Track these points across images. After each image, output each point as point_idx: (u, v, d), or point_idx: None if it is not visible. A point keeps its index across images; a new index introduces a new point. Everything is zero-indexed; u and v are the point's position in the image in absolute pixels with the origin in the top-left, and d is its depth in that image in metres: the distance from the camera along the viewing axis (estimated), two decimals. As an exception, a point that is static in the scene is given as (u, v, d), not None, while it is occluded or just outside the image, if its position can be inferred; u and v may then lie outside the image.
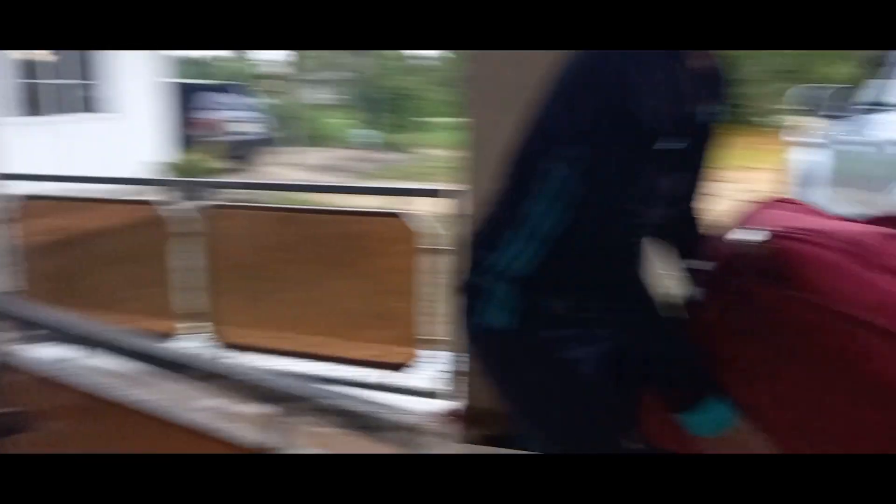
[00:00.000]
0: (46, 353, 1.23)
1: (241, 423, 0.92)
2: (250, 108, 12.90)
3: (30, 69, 9.52)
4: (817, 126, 4.10)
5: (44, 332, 1.14)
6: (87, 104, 10.45)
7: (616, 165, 0.95)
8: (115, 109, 10.54)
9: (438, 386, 2.53)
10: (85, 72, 10.37)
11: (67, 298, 2.89)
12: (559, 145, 1.02)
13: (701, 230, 1.14)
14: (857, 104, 3.59)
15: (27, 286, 3.04)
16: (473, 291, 1.11)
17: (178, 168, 9.88)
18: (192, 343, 2.89)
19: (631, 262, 0.96)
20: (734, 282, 0.89)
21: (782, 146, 4.86)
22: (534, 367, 1.09)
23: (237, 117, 12.18)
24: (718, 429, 0.89)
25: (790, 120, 6.17)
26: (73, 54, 9.94)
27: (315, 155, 13.47)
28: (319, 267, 2.76)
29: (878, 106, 3.26)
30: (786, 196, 1.08)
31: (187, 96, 11.58)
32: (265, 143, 12.79)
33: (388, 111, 16.61)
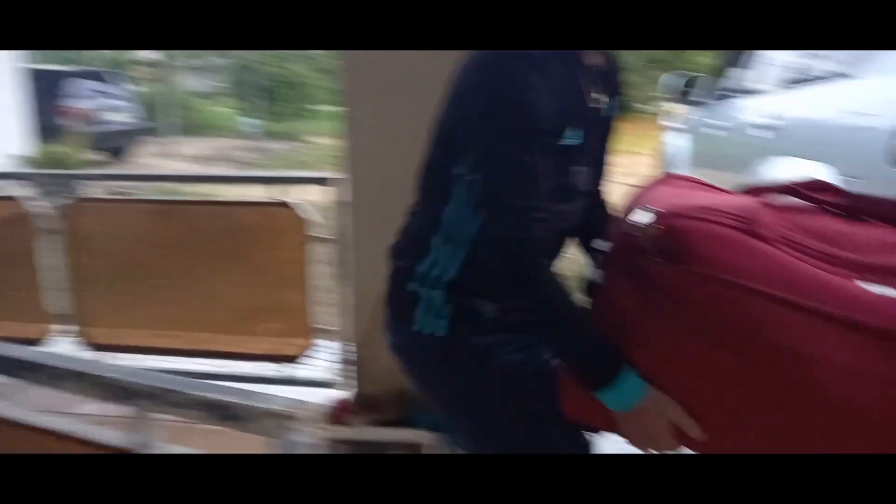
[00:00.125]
0: None
1: (105, 424, 0.88)
2: (125, 96, 12.13)
3: None
4: (684, 111, 4.37)
5: None
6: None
7: (514, 164, 0.95)
8: (-33, 98, 9.59)
9: (333, 375, 2.52)
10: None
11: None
12: (461, 147, 1.02)
13: (607, 217, 1.18)
14: (719, 90, 3.86)
15: None
16: (405, 300, 1.11)
17: (43, 160, 9.14)
18: (63, 346, 2.72)
19: (541, 256, 0.98)
20: (633, 261, 0.92)
21: (657, 131, 5.13)
22: (469, 373, 1.10)
23: (111, 106, 11.41)
24: (633, 401, 0.94)
25: (662, 106, 6.54)
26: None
27: (197, 145, 12.87)
28: (205, 261, 2.66)
29: (738, 92, 3.52)
30: (676, 174, 1.12)
31: (55, 84, 10.71)
32: (142, 132, 12.08)
33: (274, 99, 16.12)
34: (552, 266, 1.03)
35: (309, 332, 2.56)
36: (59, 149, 9.57)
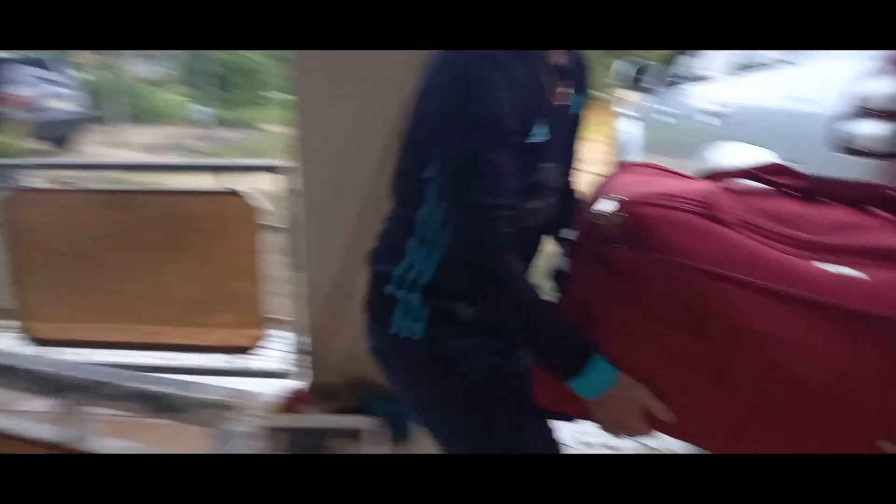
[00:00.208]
0: None
1: (43, 421, 0.85)
2: (69, 83, 11.71)
3: None
4: (636, 98, 4.43)
5: None
6: None
7: (475, 162, 0.95)
8: None
9: (287, 365, 2.49)
10: None
11: None
12: (430, 150, 1.02)
13: (574, 209, 1.17)
14: (669, 77, 3.92)
15: None
16: (383, 303, 1.11)
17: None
18: (4, 342, 2.63)
19: (505, 253, 0.97)
20: (598, 249, 0.93)
21: (610, 118, 5.19)
22: (446, 376, 1.11)
23: (54, 93, 11.01)
24: (604, 388, 0.95)
25: (615, 93, 6.62)
26: None
27: (146, 133, 12.53)
28: (154, 252, 2.60)
29: (687, 79, 3.58)
30: (637, 161, 1.14)
31: (-6, 70, 10.29)
32: (87, 121, 11.70)
33: (226, 86, 15.79)
34: (521, 262, 1.03)
35: (262, 322, 2.53)
36: (-1, 138, 9.21)
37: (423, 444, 1.74)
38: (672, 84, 3.82)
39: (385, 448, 1.89)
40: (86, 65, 15.06)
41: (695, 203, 0.88)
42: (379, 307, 1.13)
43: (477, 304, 1.04)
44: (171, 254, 2.57)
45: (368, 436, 1.89)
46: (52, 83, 11.11)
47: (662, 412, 0.93)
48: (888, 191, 0.90)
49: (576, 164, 1.18)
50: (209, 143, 11.82)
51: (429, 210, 1.06)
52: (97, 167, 4.96)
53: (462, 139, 0.96)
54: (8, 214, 2.56)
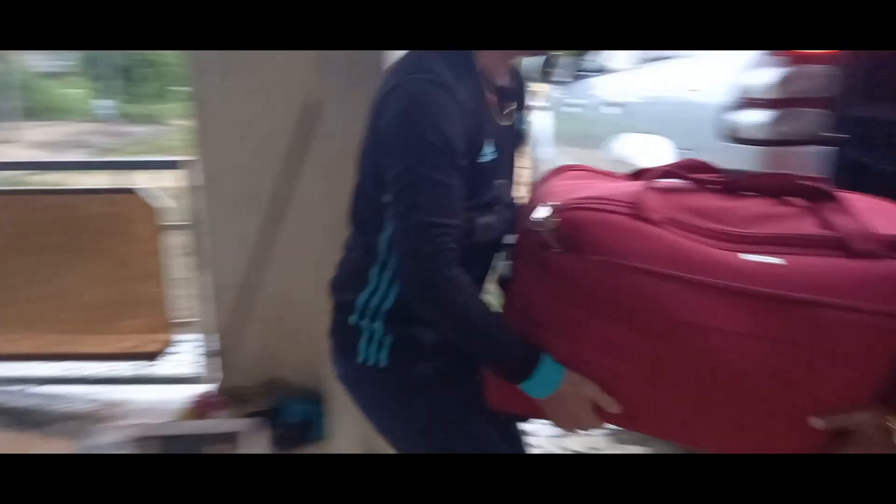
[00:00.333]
0: None
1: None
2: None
3: None
4: (545, 90, 4.52)
5: None
6: None
7: (422, 182, 0.97)
8: None
9: (196, 370, 2.42)
10: None
11: None
12: (382, 174, 1.02)
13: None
14: (578, 69, 4.02)
15: None
16: (348, 333, 1.12)
17: None
18: None
19: (450, 269, 0.98)
20: (537, 254, 0.96)
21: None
22: (412, 401, 1.12)
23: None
24: (553, 388, 0.98)
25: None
26: None
27: (44, 130, 11.85)
28: (50, 256, 2.46)
29: (594, 71, 3.68)
30: (569, 165, 1.17)
31: None
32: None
33: (132, 79, 15.11)
34: (474, 274, 1.05)
35: (169, 326, 2.44)
36: None
37: (338, 444, 1.73)
38: (580, 76, 3.91)
39: (262, 450, 1.86)
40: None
41: (624, 204, 0.93)
42: (344, 337, 1.14)
43: (429, 321, 1.05)
44: (68, 258, 2.44)
45: (245, 439, 1.86)
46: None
47: (610, 405, 0.97)
48: (801, 181, 0.96)
49: (517, 178, 1.21)
50: (115, 140, 11.31)
51: (390, 235, 1.07)
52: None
53: (412, 160, 0.97)
54: None
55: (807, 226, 0.90)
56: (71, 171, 3.37)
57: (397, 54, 1.05)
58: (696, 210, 0.94)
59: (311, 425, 2.08)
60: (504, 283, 1.09)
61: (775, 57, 1.70)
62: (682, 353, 0.89)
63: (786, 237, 0.89)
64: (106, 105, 13.51)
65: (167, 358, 2.49)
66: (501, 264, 1.15)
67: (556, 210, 0.94)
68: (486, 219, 1.08)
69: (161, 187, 2.40)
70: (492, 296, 1.09)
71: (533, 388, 0.99)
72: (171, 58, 15.78)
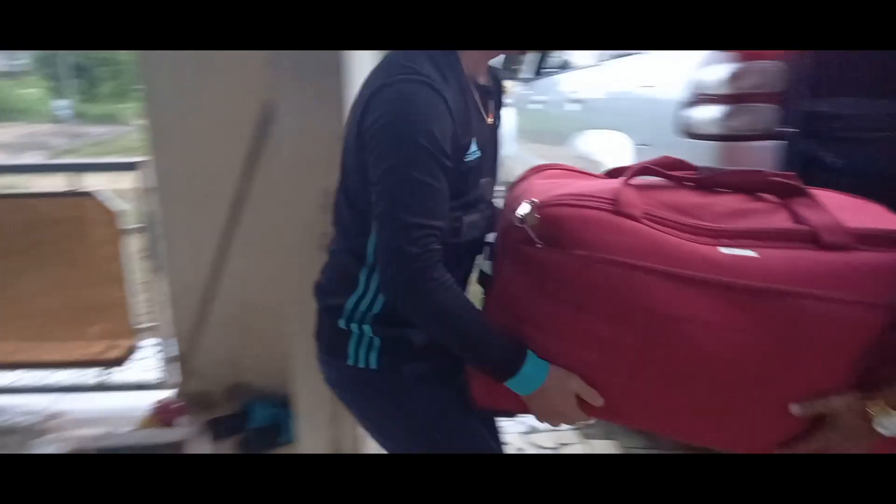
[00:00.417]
0: None
1: None
2: None
3: None
4: (509, 87, 4.54)
5: None
6: None
7: (406, 182, 0.96)
8: None
9: (159, 376, 2.39)
10: None
11: None
12: (366, 174, 1.01)
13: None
14: (542, 66, 4.04)
15: None
16: (337, 337, 1.11)
17: None
18: None
19: (433, 269, 0.98)
20: (519, 250, 0.97)
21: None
22: (403, 403, 1.12)
23: None
24: (538, 383, 0.99)
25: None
26: None
27: None
28: (6, 262, 2.40)
29: (558, 68, 3.70)
30: (548, 164, 1.18)
31: None
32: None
33: (92, 78, 14.78)
34: (457, 273, 1.06)
35: (131, 331, 2.40)
36: None
37: (307, 447, 1.72)
38: (545, 73, 3.94)
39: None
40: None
41: (603, 200, 0.95)
42: (332, 340, 1.14)
43: (414, 321, 1.04)
44: (25, 263, 2.39)
45: (191, 448, 1.84)
46: None
47: (595, 398, 0.98)
48: (773, 177, 1.00)
49: (497, 177, 1.22)
50: (76, 141, 11.05)
51: (372, 238, 1.06)
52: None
53: (400, 160, 0.97)
54: None
55: (780, 220, 0.94)
56: (27, 174, 3.28)
57: (354, 52, 1.04)
58: (674, 206, 0.97)
59: (279, 429, 2.06)
60: (485, 280, 1.10)
61: (726, 54, 1.74)
62: (663, 345, 0.91)
63: (761, 231, 0.91)
64: (62, 105, 13.20)
65: (131, 364, 2.45)
66: (483, 262, 1.16)
67: (537, 206, 0.95)
68: (470, 217, 1.09)
69: (120, 189, 2.36)
70: (473, 293, 1.10)
71: (518, 384, 1.00)
72: (129, 56, 15.49)
